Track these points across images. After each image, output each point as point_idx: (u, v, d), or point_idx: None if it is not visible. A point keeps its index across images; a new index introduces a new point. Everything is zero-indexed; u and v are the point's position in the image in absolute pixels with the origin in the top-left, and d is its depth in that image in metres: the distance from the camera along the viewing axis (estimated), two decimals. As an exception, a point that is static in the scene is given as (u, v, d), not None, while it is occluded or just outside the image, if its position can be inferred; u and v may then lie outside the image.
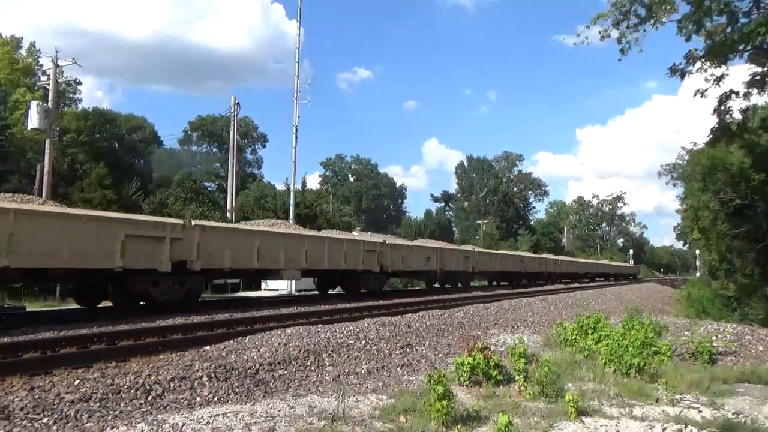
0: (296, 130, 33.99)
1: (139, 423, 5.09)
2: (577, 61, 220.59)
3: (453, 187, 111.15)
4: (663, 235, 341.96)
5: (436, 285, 30.94)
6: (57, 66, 28.09)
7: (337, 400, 5.81)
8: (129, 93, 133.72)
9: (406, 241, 29.71)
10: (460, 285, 31.93)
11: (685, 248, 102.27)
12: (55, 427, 5.27)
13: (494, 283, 38.69)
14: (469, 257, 32.04)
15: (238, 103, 33.28)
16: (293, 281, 27.46)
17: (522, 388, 6.51)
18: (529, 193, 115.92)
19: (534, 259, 44.51)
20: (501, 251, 43.22)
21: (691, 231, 43.12)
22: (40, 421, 5.33)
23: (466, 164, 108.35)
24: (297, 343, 9.35)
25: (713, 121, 16.68)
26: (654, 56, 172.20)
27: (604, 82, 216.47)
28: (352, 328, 11.23)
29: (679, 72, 14.67)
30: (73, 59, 28.43)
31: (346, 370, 8.56)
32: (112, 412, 5.82)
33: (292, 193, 35.21)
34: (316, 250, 19.37)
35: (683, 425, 5.45)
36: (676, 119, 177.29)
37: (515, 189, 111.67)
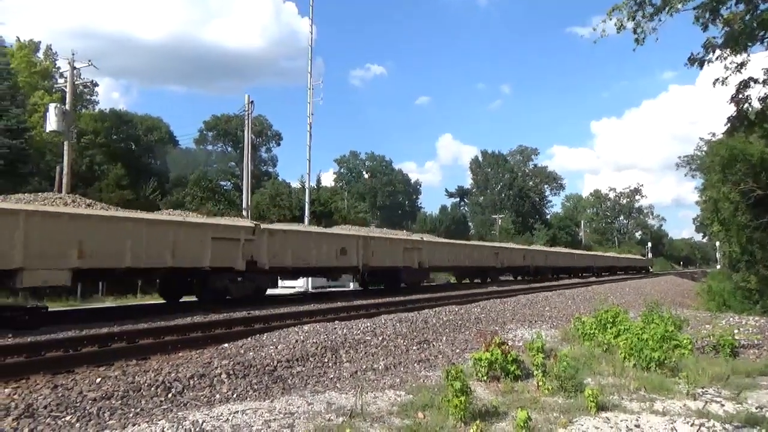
0: (310, 128, 34.08)
1: (160, 420, 5.15)
2: (591, 53, 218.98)
3: (468, 182, 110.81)
4: (682, 228, 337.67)
5: (466, 281, 33.05)
6: (74, 68, 28.42)
7: (355, 396, 5.83)
8: (145, 94, 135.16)
9: (440, 239, 31.24)
10: (489, 279, 33.39)
11: (704, 240, 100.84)
12: (78, 425, 5.35)
13: (518, 278, 39.53)
14: (498, 253, 33.84)
15: (252, 102, 33.40)
16: (309, 279, 27.76)
17: (540, 383, 6.47)
18: (545, 187, 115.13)
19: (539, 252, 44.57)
20: (526, 246, 45.61)
21: (711, 223, 42.45)
22: (63, 419, 5.42)
23: (480, 159, 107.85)
24: (314, 340, 9.39)
25: (731, 110, 16.38)
26: (671, 46, 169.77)
27: (619, 74, 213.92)
28: (368, 324, 11.25)
29: (697, 61, 14.44)
30: (90, 61, 28.78)
31: (364, 367, 8.57)
32: (133, 409, 5.90)
33: (307, 191, 35.31)
34: (365, 248, 21.22)
35: (705, 419, 5.38)
36: (693, 110, 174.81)
37: (531, 183, 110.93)
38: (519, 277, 39.01)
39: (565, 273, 47.48)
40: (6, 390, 6.08)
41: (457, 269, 33.05)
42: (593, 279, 45.26)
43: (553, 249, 51.56)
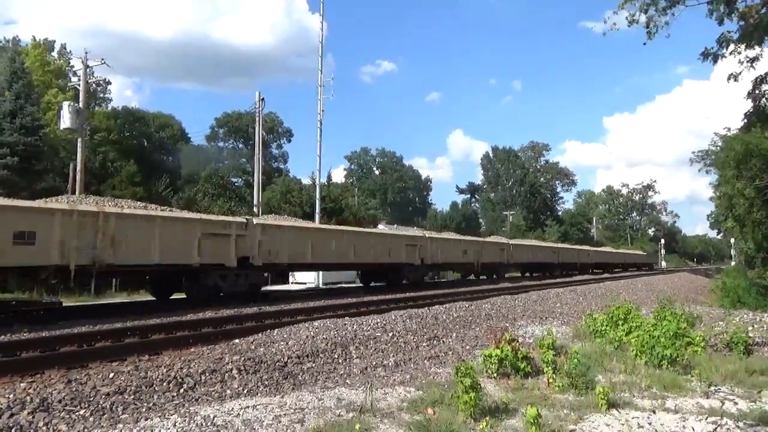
0: (321, 125, 34.08)
1: (171, 415, 5.20)
2: (604, 47, 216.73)
3: (479, 178, 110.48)
4: (696, 224, 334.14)
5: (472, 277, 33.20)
6: (87, 66, 28.66)
7: (365, 392, 5.84)
8: (156, 91, 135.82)
9: (445, 235, 31.43)
10: (495, 276, 33.22)
11: (719, 237, 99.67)
12: (91, 419, 5.41)
13: (527, 274, 39.52)
14: (504, 249, 33.73)
15: (262, 99, 33.50)
16: (320, 274, 27.89)
17: (551, 381, 6.45)
18: (557, 183, 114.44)
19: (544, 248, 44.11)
20: (532, 242, 45.24)
21: (726, 219, 42.04)
22: (77, 413, 5.49)
23: (491, 155, 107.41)
24: (324, 336, 9.42)
25: (747, 105, 16.16)
26: (685, 40, 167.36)
27: (632, 69, 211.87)
28: (379, 320, 11.27)
29: (711, 56, 14.25)
30: (102, 60, 28.96)
31: (374, 363, 8.59)
32: (145, 404, 5.96)
33: (317, 188, 35.37)
34: (364, 245, 21.06)
35: (718, 417, 5.33)
36: (708, 104, 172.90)
37: (542, 179, 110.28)
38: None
39: (539, 271, 42.10)
40: (21, 384, 6.17)
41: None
42: (606, 275, 44.97)
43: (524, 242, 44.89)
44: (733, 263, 68.00)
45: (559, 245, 49.56)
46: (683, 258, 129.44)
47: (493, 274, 33.46)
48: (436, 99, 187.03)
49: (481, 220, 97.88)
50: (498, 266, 33.27)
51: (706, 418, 5.31)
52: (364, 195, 76.28)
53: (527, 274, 40.45)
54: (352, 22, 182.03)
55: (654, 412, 5.53)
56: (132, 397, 6.07)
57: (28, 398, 5.59)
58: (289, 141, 77.45)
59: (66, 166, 29.80)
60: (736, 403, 5.97)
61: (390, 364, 8.63)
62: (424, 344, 10.20)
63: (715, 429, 5.09)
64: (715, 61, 15.43)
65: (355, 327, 10.40)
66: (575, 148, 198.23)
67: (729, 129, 39.01)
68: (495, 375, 6.95)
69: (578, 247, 53.60)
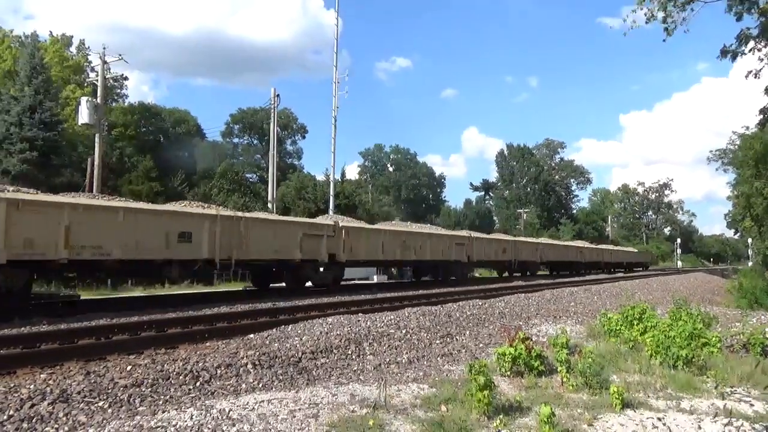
0: (335, 121, 34.24)
1: (188, 408, 5.27)
2: (620, 44, 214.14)
3: (493, 175, 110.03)
4: (713, 224, 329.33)
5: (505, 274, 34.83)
6: (105, 62, 28.97)
7: (379, 388, 5.87)
8: (172, 87, 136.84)
9: (485, 235, 33.58)
10: (528, 273, 35.24)
11: (736, 237, 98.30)
12: (110, 411, 5.51)
13: (554, 273, 40.85)
14: (537, 249, 36.05)
15: (278, 95, 33.67)
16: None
17: (565, 380, 6.44)
18: (572, 180, 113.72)
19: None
20: (561, 242, 47.42)
21: (743, 218, 41.57)
22: (96, 405, 5.59)
23: (506, 152, 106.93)
24: (338, 332, 9.47)
25: (765, 101, 15.95)
26: (704, 37, 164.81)
27: (650, 66, 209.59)
28: (392, 317, 11.30)
29: (730, 53, 14.06)
30: (120, 55, 29.27)
31: (387, 360, 8.63)
32: (162, 396, 6.05)
33: (331, 184, 35.51)
34: (423, 244, 24.12)
35: (733, 419, 5.29)
36: (726, 102, 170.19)
37: (557, 177, 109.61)
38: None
39: (566, 269, 41.15)
40: (42, 375, 6.29)
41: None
42: (621, 274, 44.66)
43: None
44: (750, 263, 67.07)
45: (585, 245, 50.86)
46: (699, 258, 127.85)
47: (527, 272, 35.24)
48: (450, 96, 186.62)
49: (494, 218, 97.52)
50: (531, 264, 35.40)
51: (722, 420, 5.28)
52: (377, 191, 76.43)
53: (554, 272, 41.57)
54: (367, 19, 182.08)
55: (668, 413, 5.51)
56: (149, 389, 6.16)
57: (48, 389, 5.70)
58: (304, 137, 77.67)
59: (84, 161, 30.18)
60: (752, 405, 5.92)
61: (403, 360, 8.66)
62: (438, 342, 10.22)
63: (728, 429, 5.06)
64: (734, 59, 15.21)
65: (368, 323, 10.44)
66: (591, 145, 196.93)
67: (747, 127, 38.49)
68: (508, 373, 6.95)
69: (533, 241, 52.78)
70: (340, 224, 19.57)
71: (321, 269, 18.91)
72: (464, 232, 29.78)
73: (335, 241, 18.86)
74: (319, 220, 21.39)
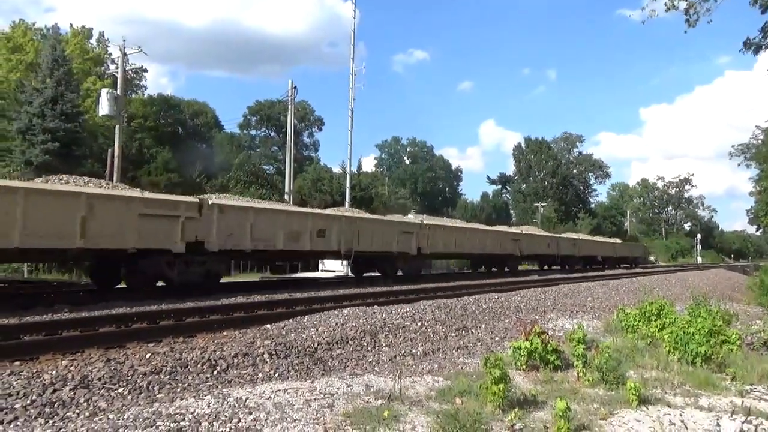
0: (352, 113, 34.22)
1: (205, 396, 5.35)
2: (641, 36, 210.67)
3: (510, 169, 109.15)
4: (734, 219, 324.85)
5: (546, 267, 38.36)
6: (124, 54, 29.27)
7: (394, 380, 5.90)
8: (191, 79, 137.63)
9: (533, 232, 36.66)
10: (566, 267, 38.48)
11: (758, 233, 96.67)
12: (129, 397, 5.61)
13: (586, 266, 42.85)
14: (576, 244, 39.86)
15: (295, 87, 33.69)
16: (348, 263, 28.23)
17: (581, 374, 6.40)
18: (590, 175, 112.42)
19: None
20: (596, 238, 50.81)
21: (766, 214, 40.80)
22: (116, 391, 5.69)
23: (523, 146, 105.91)
24: (354, 324, 9.51)
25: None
26: (727, 29, 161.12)
27: (671, 59, 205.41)
28: (408, 309, 11.31)
29: (753, 46, 13.77)
30: (139, 47, 29.56)
31: (402, 351, 8.66)
32: (180, 384, 6.14)
33: (348, 176, 35.54)
34: (486, 239, 27.67)
35: (753, 417, 5.22)
36: (750, 96, 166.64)
37: (575, 171, 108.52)
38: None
39: (598, 263, 43.52)
40: (63, 362, 6.42)
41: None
42: (639, 270, 44.18)
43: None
44: (772, 260, 65.87)
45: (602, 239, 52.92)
46: (720, 254, 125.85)
47: (566, 265, 38.42)
48: (467, 88, 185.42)
49: (512, 212, 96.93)
50: (570, 258, 38.66)
51: (740, 417, 5.21)
52: (394, 184, 76.39)
53: (587, 266, 43.52)
54: (384, 11, 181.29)
55: (686, 410, 5.45)
56: (168, 377, 6.25)
57: (70, 375, 5.81)
58: (320, 129, 77.94)
59: (104, 152, 30.60)
60: (772, 403, 5.83)
61: (418, 353, 8.68)
62: (453, 334, 10.22)
63: (749, 428, 4.99)
64: (757, 52, 14.86)
65: (384, 315, 10.47)
66: (610, 139, 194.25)
67: (772, 122, 37.67)
68: (524, 367, 6.93)
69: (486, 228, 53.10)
70: (425, 222, 23.03)
71: (409, 260, 21.94)
72: (517, 229, 33.31)
73: (421, 237, 22.09)
74: (408, 218, 24.59)
